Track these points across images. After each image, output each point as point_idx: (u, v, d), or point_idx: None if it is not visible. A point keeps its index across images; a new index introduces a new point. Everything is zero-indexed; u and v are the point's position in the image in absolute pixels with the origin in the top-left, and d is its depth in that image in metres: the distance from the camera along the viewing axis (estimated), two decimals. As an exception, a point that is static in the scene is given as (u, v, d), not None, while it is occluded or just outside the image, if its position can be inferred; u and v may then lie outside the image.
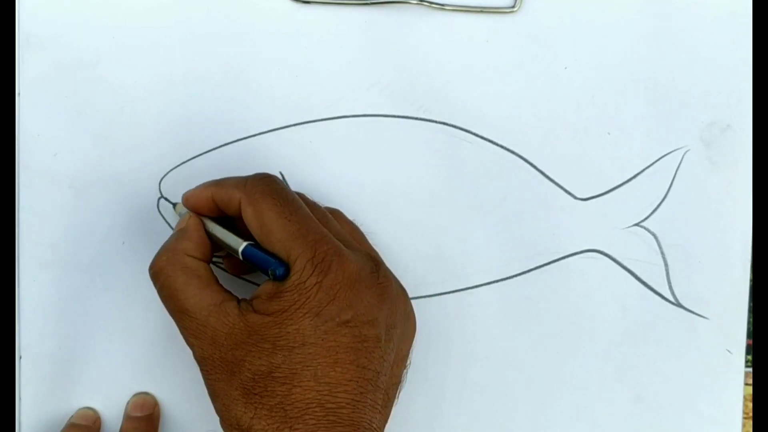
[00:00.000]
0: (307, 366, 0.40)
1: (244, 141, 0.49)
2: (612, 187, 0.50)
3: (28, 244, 0.48)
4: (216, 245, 0.45)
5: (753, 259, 0.50)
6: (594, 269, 0.50)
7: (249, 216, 0.43)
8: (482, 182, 0.50)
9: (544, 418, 0.50)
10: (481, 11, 0.49)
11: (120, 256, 0.49)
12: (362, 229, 0.48)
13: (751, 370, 0.51)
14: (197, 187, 0.45)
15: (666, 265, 0.51)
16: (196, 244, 0.44)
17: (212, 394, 0.42)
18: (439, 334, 0.50)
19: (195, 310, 0.42)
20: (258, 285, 0.46)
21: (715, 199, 0.50)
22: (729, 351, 0.51)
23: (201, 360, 0.42)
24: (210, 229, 0.45)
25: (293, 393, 0.40)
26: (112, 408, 0.49)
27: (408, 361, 0.45)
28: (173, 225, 0.49)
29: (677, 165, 0.50)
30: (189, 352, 0.49)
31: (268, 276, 0.42)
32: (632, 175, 0.50)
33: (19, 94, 0.48)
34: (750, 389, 0.52)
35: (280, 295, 0.41)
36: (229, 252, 0.44)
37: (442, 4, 0.49)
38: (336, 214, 0.47)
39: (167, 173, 0.49)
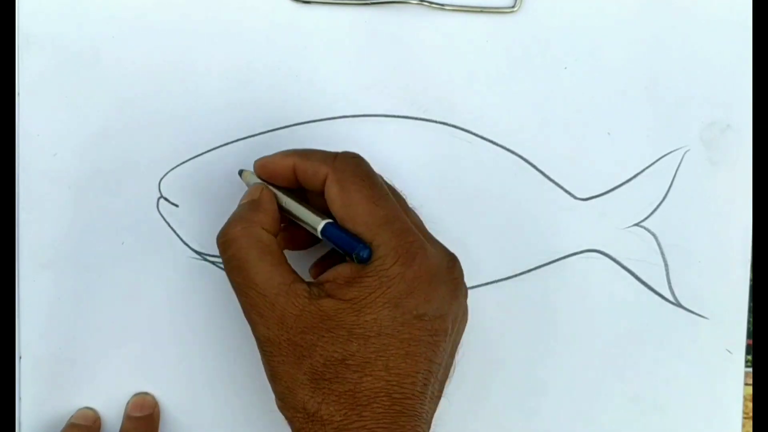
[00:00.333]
0: (381, 356, 0.40)
1: (244, 141, 0.49)
2: (612, 187, 0.50)
3: (28, 244, 0.48)
4: (284, 219, 0.44)
5: (753, 259, 0.50)
6: (594, 269, 0.50)
7: (334, 194, 0.42)
8: (482, 182, 0.50)
9: (544, 417, 0.50)
10: (481, 11, 0.49)
11: (120, 256, 0.49)
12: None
13: (751, 370, 0.51)
14: (275, 155, 0.44)
15: (666, 265, 0.51)
16: (271, 218, 0.43)
17: (273, 375, 0.41)
18: (439, 334, 0.50)
19: (265, 286, 0.41)
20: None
21: (715, 199, 0.50)
22: (729, 351, 0.51)
23: (264, 340, 0.41)
24: (282, 202, 0.43)
25: (364, 381, 0.40)
26: (112, 408, 0.49)
27: (458, 354, 0.45)
28: (173, 225, 0.49)
29: (677, 165, 0.50)
30: (189, 352, 0.49)
31: (350, 257, 0.41)
32: (632, 175, 0.50)
33: (19, 94, 0.48)
34: (750, 389, 0.52)
35: (360, 280, 0.40)
36: (302, 225, 0.43)
37: (442, 4, 0.49)
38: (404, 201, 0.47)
39: (167, 173, 0.49)
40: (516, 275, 0.50)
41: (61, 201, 0.48)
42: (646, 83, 0.50)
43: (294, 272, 0.42)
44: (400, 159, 0.50)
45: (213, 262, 0.49)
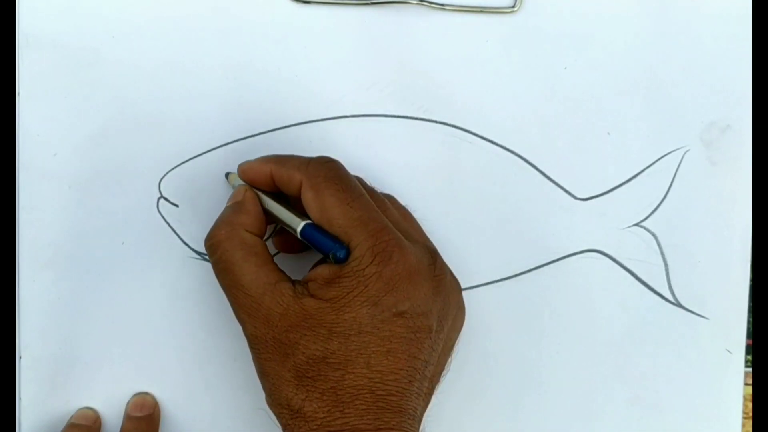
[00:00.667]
0: (361, 353, 0.40)
1: (244, 141, 0.49)
2: (612, 187, 0.50)
3: (28, 244, 0.48)
4: (270, 220, 0.45)
5: (753, 259, 0.50)
6: (594, 269, 0.50)
7: (309, 199, 0.43)
8: (482, 182, 0.50)
9: (544, 417, 0.50)
10: (481, 11, 0.49)
11: (120, 256, 0.49)
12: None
13: (751, 370, 0.51)
14: (256, 160, 0.45)
15: (666, 265, 0.51)
16: (254, 219, 0.44)
17: (261, 373, 0.42)
18: (439, 334, 0.50)
19: (251, 287, 0.42)
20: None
21: (715, 199, 0.50)
22: (729, 351, 0.51)
23: (252, 338, 0.42)
24: (265, 204, 0.45)
25: (346, 379, 0.40)
26: (112, 408, 0.49)
27: (454, 351, 0.45)
28: (173, 225, 0.49)
29: (677, 165, 0.50)
30: (189, 352, 0.49)
31: (328, 258, 0.42)
32: (632, 175, 0.50)
33: (19, 94, 0.48)
34: (750, 389, 0.52)
35: (338, 281, 0.41)
36: (285, 228, 0.44)
37: (442, 4, 0.49)
38: (390, 199, 0.47)
39: (167, 173, 0.49)
40: (516, 275, 0.50)
41: (61, 201, 0.48)
42: (646, 83, 0.50)
43: (280, 271, 0.43)
44: (400, 159, 0.50)
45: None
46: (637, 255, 0.50)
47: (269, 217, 0.45)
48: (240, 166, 0.46)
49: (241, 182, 0.46)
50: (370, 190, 0.46)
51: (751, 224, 0.50)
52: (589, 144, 0.50)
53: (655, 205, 0.51)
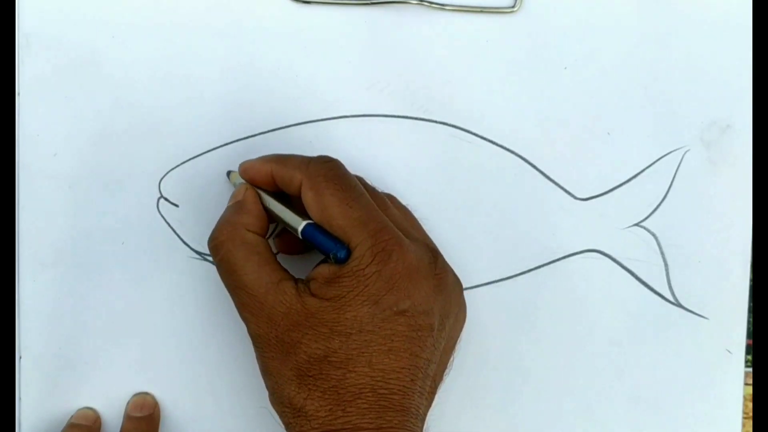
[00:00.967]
0: (363, 352, 0.40)
1: (244, 141, 0.49)
2: (612, 187, 0.50)
3: (28, 244, 0.48)
4: (271, 219, 0.45)
5: (753, 259, 0.50)
6: (594, 269, 0.50)
7: (309, 200, 0.43)
8: (482, 182, 0.50)
9: (544, 417, 0.50)
10: (481, 11, 0.49)
11: (120, 256, 0.49)
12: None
13: (751, 370, 0.51)
14: (257, 160, 0.45)
15: (666, 265, 0.51)
16: (255, 218, 0.44)
17: (264, 371, 0.42)
18: (439, 334, 0.50)
19: (253, 286, 0.42)
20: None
21: (715, 199, 0.50)
22: (729, 351, 0.51)
23: (255, 337, 0.42)
24: (267, 204, 0.45)
25: (347, 378, 0.40)
26: (112, 408, 0.49)
27: (456, 349, 0.45)
28: (173, 225, 0.49)
29: (677, 165, 0.50)
30: (189, 352, 0.49)
31: (329, 258, 0.42)
32: (632, 175, 0.50)
33: (19, 94, 0.48)
34: (750, 389, 0.52)
35: (339, 280, 0.41)
36: (286, 228, 0.44)
37: (442, 4, 0.49)
38: (390, 198, 0.47)
39: (167, 173, 0.49)
40: (516, 275, 0.50)
41: (61, 201, 0.48)
42: (646, 83, 0.50)
43: (282, 270, 0.43)
44: (400, 159, 0.50)
45: (213, 262, 0.49)
46: (637, 255, 0.50)
47: (270, 216, 0.45)
48: (241, 165, 0.46)
49: (242, 181, 0.46)
50: (371, 190, 0.46)
51: (751, 224, 0.50)
52: (589, 144, 0.50)
53: (655, 205, 0.51)
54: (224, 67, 0.49)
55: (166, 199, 0.49)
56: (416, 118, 0.50)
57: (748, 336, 0.51)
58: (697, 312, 0.51)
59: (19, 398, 0.49)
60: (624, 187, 0.50)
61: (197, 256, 0.49)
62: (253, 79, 0.49)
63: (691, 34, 0.50)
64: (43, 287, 0.49)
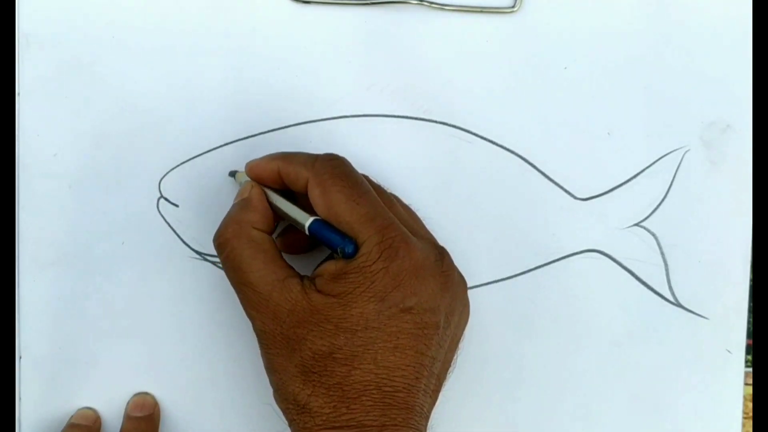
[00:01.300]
0: (368, 349, 0.40)
1: (244, 141, 0.49)
2: (612, 187, 0.50)
3: (28, 244, 0.48)
4: (278, 217, 0.45)
5: (753, 259, 0.50)
6: (594, 269, 0.50)
7: (316, 197, 0.43)
8: (482, 182, 0.50)
9: (544, 417, 0.50)
10: (481, 11, 0.49)
11: (120, 256, 0.49)
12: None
13: (751, 370, 0.51)
14: (263, 158, 0.45)
15: (666, 265, 0.51)
16: (261, 216, 0.44)
17: (269, 367, 0.42)
18: (439, 334, 0.50)
19: (259, 283, 0.42)
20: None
21: (715, 199, 0.50)
22: (729, 351, 0.51)
23: (261, 333, 0.42)
24: (273, 201, 0.45)
25: (352, 374, 0.40)
26: (112, 408, 0.49)
27: (459, 348, 0.45)
28: (173, 225, 0.49)
29: (677, 165, 0.50)
30: (189, 352, 0.49)
31: (336, 253, 0.42)
32: (632, 175, 0.50)
33: (19, 94, 0.48)
34: (750, 389, 0.52)
35: (345, 276, 0.41)
36: (293, 225, 0.44)
37: (442, 4, 0.49)
38: (395, 198, 0.47)
39: (167, 173, 0.49)
40: (516, 275, 0.50)
41: (61, 201, 0.48)
42: (646, 83, 0.50)
43: (288, 267, 0.43)
44: (400, 159, 0.50)
45: (213, 262, 0.49)
46: (637, 255, 0.50)
47: (276, 213, 0.45)
48: (247, 163, 0.46)
49: (248, 179, 0.46)
50: (377, 187, 0.46)
51: (751, 224, 0.50)
52: (589, 144, 0.50)
53: (655, 205, 0.51)
54: (224, 67, 0.49)
55: (166, 199, 0.49)
56: (416, 118, 0.50)
57: (748, 336, 0.51)
58: (697, 312, 0.51)
59: (19, 398, 0.49)
60: (624, 187, 0.50)
61: (197, 256, 0.49)
62: (253, 79, 0.49)
63: (691, 35, 0.50)
64: (43, 287, 0.49)
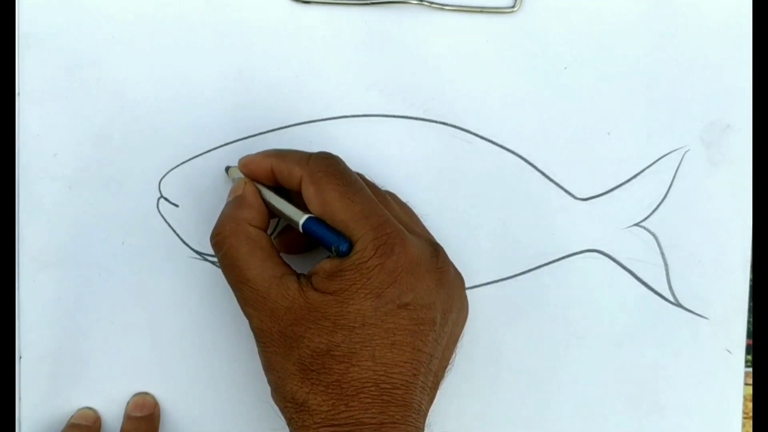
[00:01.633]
0: (366, 346, 0.40)
1: (243, 141, 0.49)
2: (612, 187, 0.50)
3: (28, 244, 0.48)
4: (271, 215, 0.45)
5: (753, 259, 0.50)
6: (594, 269, 0.50)
7: (310, 195, 0.43)
8: (482, 182, 0.50)
9: (544, 417, 0.50)
10: (481, 11, 0.49)
11: (120, 256, 0.49)
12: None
13: (751, 370, 0.51)
14: (257, 154, 0.45)
15: (666, 265, 0.51)
16: (257, 213, 0.44)
17: (267, 366, 0.42)
18: (439, 334, 0.50)
19: (256, 281, 0.42)
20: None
21: (715, 199, 0.50)
22: (729, 351, 0.51)
23: (258, 331, 0.42)
24: (267, 198, 0.45)
25: (350, 372, 0.40)
26: (112, 408, 0.49)
27: (458, 346, 0.45)
28: (173, 225, 0.49)
29: (677, 165, 0.50)
30: (189, 352, 0.49)
31: (330, 251, 0.42)
32: (632, 175, 0.50)
33: (19, 94, 0.48)
34: (750, 389, 0.52)
35: (341, 273, 0.41)
36: (290, 225, 0.44)
37: (442, 4, 0.49)
38: (391, 195, 0.47)
39: (167, 173, 0.49)
40: (516, 275, 0.50)
41: (61, 201, 0.48)
42: (647, 83, 0.50)
43: (285, 265, 0.43)
44: (400, 159, 0.50)
45: (213, 262, 0.49)
46: (637, 255, 0.50)
47: (270, 211, 0.45)
48: (240, 160, 0.46)
49: (241, 176, 0.46)
50: (371, 185, 0.46)
51: (751, 224, 0.50)
52: (589, 144, 0.50)
53: (655, 205, 0.51)
54: (224, 67, 0.49)
55: (166, 199, 0.49)
56: (416, 118, 0.50)
57: (748, 336, 0.51)
58: (697, 312, 0.51)
59: (19, 398, 0.49)
60: (624, 187, 0.50)
61: (197, 256, 0.49)
62: (253, 79, 0.49)
63: (691, 34, 0.50)
64: (43, 287, 0.49)
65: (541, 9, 0.50)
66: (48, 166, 0.48)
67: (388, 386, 0.40)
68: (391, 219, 0.42)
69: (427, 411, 0.43)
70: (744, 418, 0.51)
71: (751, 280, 0.51)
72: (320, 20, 0.49)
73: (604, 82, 0.50)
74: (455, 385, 0.50)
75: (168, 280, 0.49)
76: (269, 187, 0.45)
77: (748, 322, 0.51)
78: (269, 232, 0.45)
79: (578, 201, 0.50)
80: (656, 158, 0.50)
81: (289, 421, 0.42)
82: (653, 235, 0.51)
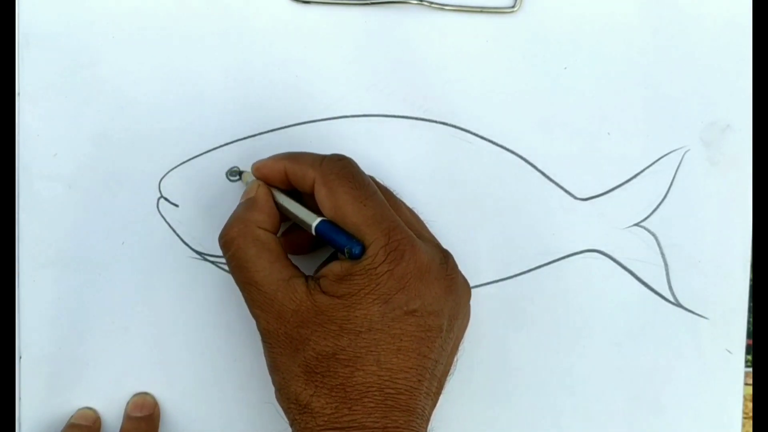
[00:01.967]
0: (371, 351, 0.40)
1: (244, 141, 0.49)
2: (612, 187, 0.50)
3: (28, 244, 0.48)
4: (284, 217, 0.45)
5: (753, 259, 0.50)
6: (594, 269, 0.50)
7: (323, 197, 0.43)
8: (482, 182, 0.50)
9: (544, 417, 0.50)
10: (481, 11, 0.49)
11: (120, 256, 0.49)
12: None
13: (751, 370, 0.51)
14: (270, 158, 0.45)
15: (666, 265, 0.51)
16: (267, 216, 0.44)
17: (272, 367, 0.43)
18: (439, 334, 0.50)
19: (264, 283, 0.42)
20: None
21: (715, 199, 0.50)
22: (729, 351, 0.51)
23: (265, 333, 0.42)
24: (279, 201, 0.45)
25: (355, 376, 0.40)
26: (112, 408, 0.49)
27: (459, 351, 0.45)
28: (173, 225, 0.49)
29: (677, 165, 0.50)
30: (189, 352, 0.49)
31: (343, 254, 0.42)
32: (632, 175, 0.50)
33: (19, 94, 0.48)
34: (750, 389, 0.52)
35: (350, 278, 0.41)
36: (296, 225, 0.44)
37: (442, 4, 0.49)
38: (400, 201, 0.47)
39: (167, 173, 0.49)
40: (516, 275, 0.50)
41: (61, 201, 0.48)
42: (647, 83, 0.50)
43: (293, 267, 0.43)
44: (400, 159, 0.50)
45: (213, 262, 0.49)
46: (637, 255, 0.50)
47: (282, 214, 0.45)
48: (254, 164, 0.46)
49: (254, 179, 0.46)
50: (383, 189, 0.46)
51: (751, 224, 0.50)
52: (589, 144, 0.50)
53: (655, 205, 0.51)
54: (224, 67, 0.49)
55: (166, 199, 0.49)
56: (416, 118, 0.50)
57: (748, 336, 0.51)
58: (697, 312, 0.51)
59: (19, 398, 0.49)
60: (624, 187, 0.50)
61: (197, 256, 0.49)
62: (253, 79, 0.49)
63: (691, 34, 0.50)
64: (43, 287, 0.49)
65: (541, 9, 0.50)
66: (48, 166, 0.48)
67: (393, 391, 0.40)
68: (402, 225, 0.42)
69: (430, 415, 0.43)
70: (744, 418, 0.51)
71: (751, 280, 0.51)
72: (320, 20, 0.49)
73: (603, 82, 0.50)
74: (454, 385, 0.49)
75: (168, 280, 0.49)
76: (282, 191, 0.45)
77: (748, 322, 0.51)
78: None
79: (578, 201, 0.50)
80: (656, 158, 0.50)
81: (293, 423, 0.42)
82: (653, 235, 0.51)
